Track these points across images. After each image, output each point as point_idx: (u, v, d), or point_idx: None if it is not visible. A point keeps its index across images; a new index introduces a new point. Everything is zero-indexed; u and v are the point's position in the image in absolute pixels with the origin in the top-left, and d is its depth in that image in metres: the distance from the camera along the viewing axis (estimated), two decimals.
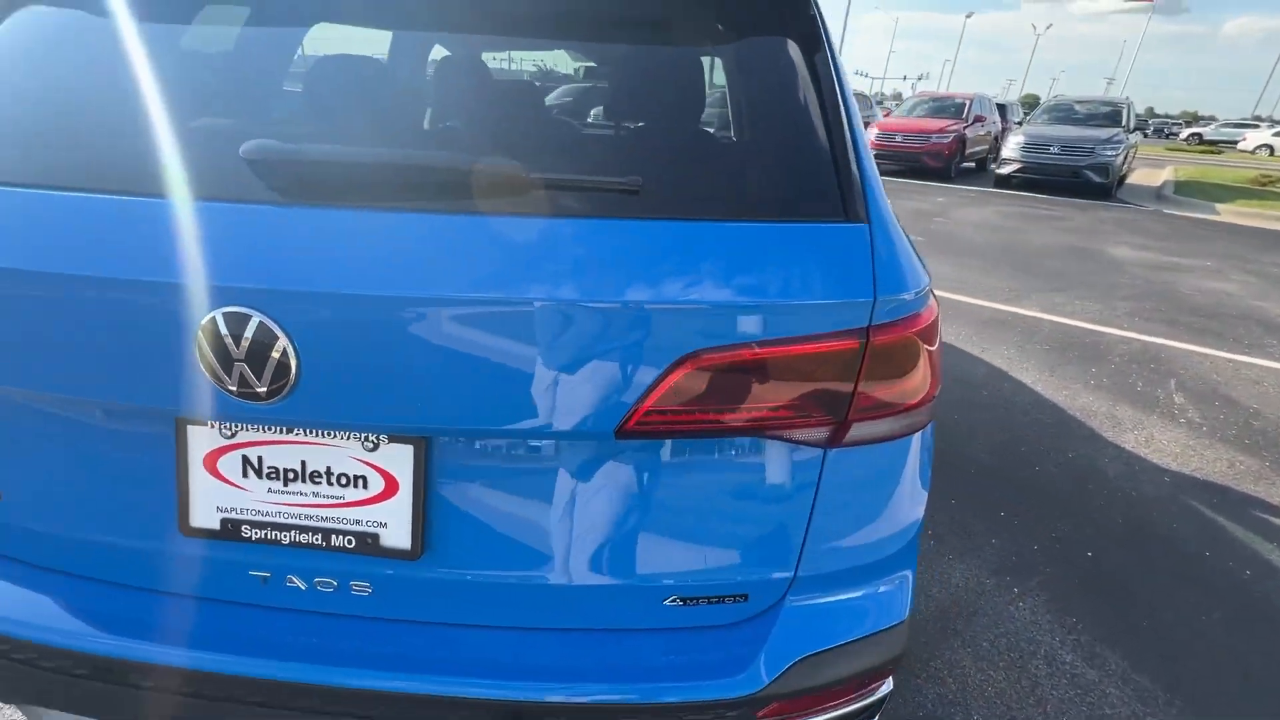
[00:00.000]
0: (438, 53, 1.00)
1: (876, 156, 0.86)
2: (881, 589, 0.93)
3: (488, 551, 0.85)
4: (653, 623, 0.87)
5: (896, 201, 0.90)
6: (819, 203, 0.79)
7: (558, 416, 0.75)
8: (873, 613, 0.92)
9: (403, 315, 0.72)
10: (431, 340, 0.72)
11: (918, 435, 0.93)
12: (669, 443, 0.81)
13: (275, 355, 0.71)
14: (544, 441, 0.81)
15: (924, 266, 0.89)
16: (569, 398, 0.74)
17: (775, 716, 0.87)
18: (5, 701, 0.96)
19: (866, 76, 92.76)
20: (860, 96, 16.46)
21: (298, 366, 0.72)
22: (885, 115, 14.17)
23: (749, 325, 0.74)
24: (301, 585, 0.85)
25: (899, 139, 12.00)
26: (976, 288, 5.06)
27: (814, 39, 0.89)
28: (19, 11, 0.91)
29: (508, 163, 0.76)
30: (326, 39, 1.05)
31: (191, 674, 0.83)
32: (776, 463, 0.83)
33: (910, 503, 0.95)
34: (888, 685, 0.95)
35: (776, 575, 0.87)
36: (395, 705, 0.82)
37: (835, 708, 0.90)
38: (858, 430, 0.83)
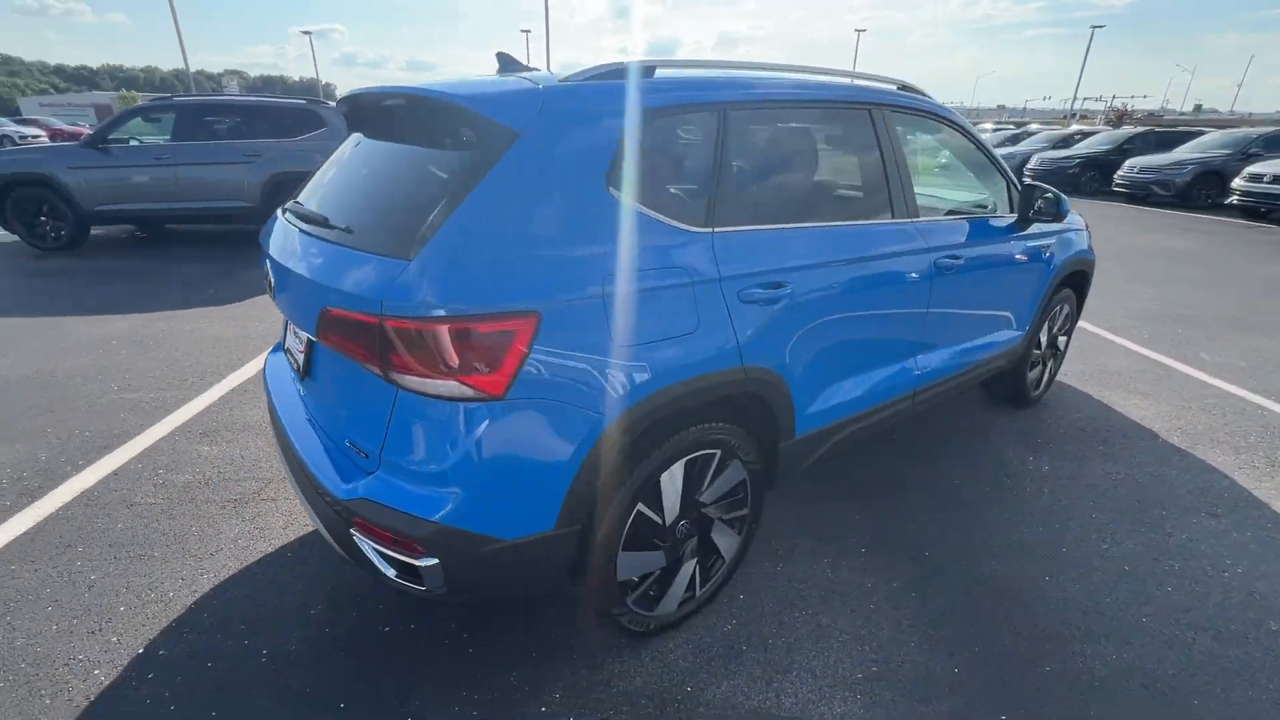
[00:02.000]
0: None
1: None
2: (431, 492, 1.40)
3: (312, 383, 1.75)
4: (343, 449, 1.60)
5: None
6: (405, 248, 1.36)
7: (312, 329, 1.57)
8: (417, 501, 1.39)
9: (288, 273, 1.63)
10: (292, 283, 1.65)
11: (483, 407, 1.36)
12: (337, 353, 1.51)
13: (270, 280, 1.79)
14: (314, 340, 1.65)
15: (492, 297, 1.32)
16: (310, 316, 1.53)
17: (360, 530, 1.48)
18: None
19: None
20: None
21: (274, 286, 1.78)
22: None
23: (339, 298, 1.39)
24: (295, 382, 1.94)
25: None
26: None
27: (494, 149, 1.42)
28: (349, 139, 2.25)
29: (319, 214, 1.64)
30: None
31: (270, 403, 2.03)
32: (373, 384, 1.43)
33: (461, 448, 1.37)
34: (429, 562, 1.41)
35: (373, 450, 1.47)
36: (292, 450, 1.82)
37: (386, 545, 1.44)
38: (403, 379, 1.36)
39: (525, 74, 1.71)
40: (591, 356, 1.45)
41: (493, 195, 1.38)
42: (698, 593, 1.97)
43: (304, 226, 1.68)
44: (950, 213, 2.82)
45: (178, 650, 1.85)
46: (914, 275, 2.26)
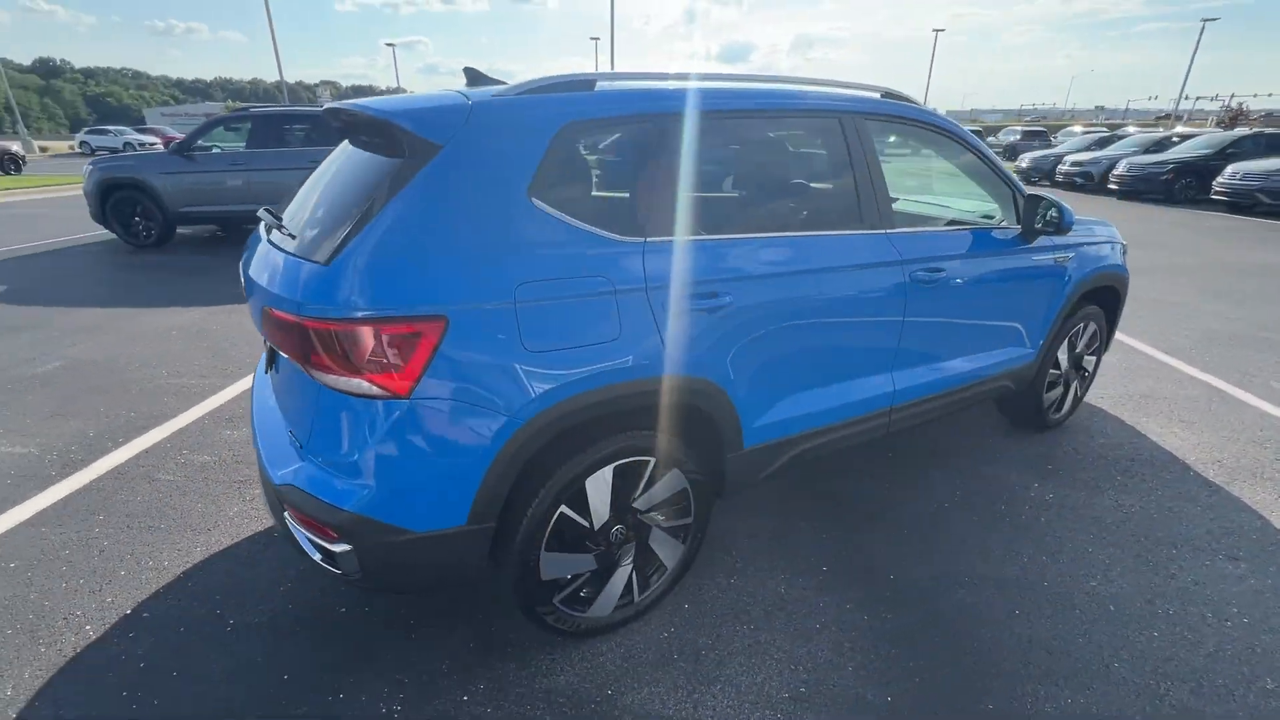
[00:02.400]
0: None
1: None
2: (346, 482, 1.49)
3: (275, 376, 1.89)
4: (287, 437, 1.71)
5: None
6: (326, 253, 1.46)
7: (260, 327, 1.71)
8: (334, 490, 1.50)
9: (249, 275, 1.73)
10: (250, 284, 1.76)
11: (391, 404, 1.44)
12: (280, 354, 1.65)
13: (241, 281, 1.94)
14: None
15: (394, 299, 1.40)
16: (258, 315, 1.67)
17: (292, 515, 1.60)
18: None
19: None
20: None
21: (245, 288, 1.92)
22: None
23: (273, 299, 1.49)
24: (265, 374, 2.10)
25: None
26: None
27: (415, 162, 1.50)
28: (340, 146, 2.38)
29: (277, 221, 1.77)
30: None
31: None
32: (305, 379, 1.53)
33: (371, 442, 1.46)
34: (343, 547, 1.50)
35: (304, 441, 1.58)
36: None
37: (308, 529, 1.55)
38: (322, 376, 1.46)
39: (467, 88, 1.78)
40: (502, 361, 1.50)
41: (408, 205, 1.47)
42: (636, 598, 1.98)
43: (268, 234, 1.82)
44: (948, 223, 2.71)
45: (158, 614, 2.04)
46: (884, 288, 2.19)
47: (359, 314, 1.40)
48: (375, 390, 1.43)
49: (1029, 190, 2.68)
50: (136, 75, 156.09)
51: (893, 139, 3.01)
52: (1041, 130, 29.74)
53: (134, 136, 31.42)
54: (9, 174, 19.38)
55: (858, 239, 2.14)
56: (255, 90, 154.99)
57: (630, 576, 1.93)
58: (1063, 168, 17.12)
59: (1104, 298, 3.24)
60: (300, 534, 1.61)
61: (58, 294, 5.88)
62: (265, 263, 1.67)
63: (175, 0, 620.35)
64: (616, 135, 1.74)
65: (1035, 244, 2.70)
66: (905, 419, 2.48)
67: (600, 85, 1.76)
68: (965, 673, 1.85)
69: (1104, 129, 27.30)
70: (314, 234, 1.58)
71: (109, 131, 32.80)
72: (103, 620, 2.01)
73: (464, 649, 1.92)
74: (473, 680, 1.81)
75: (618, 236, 1.68)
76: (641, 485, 1.86)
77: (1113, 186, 14.98)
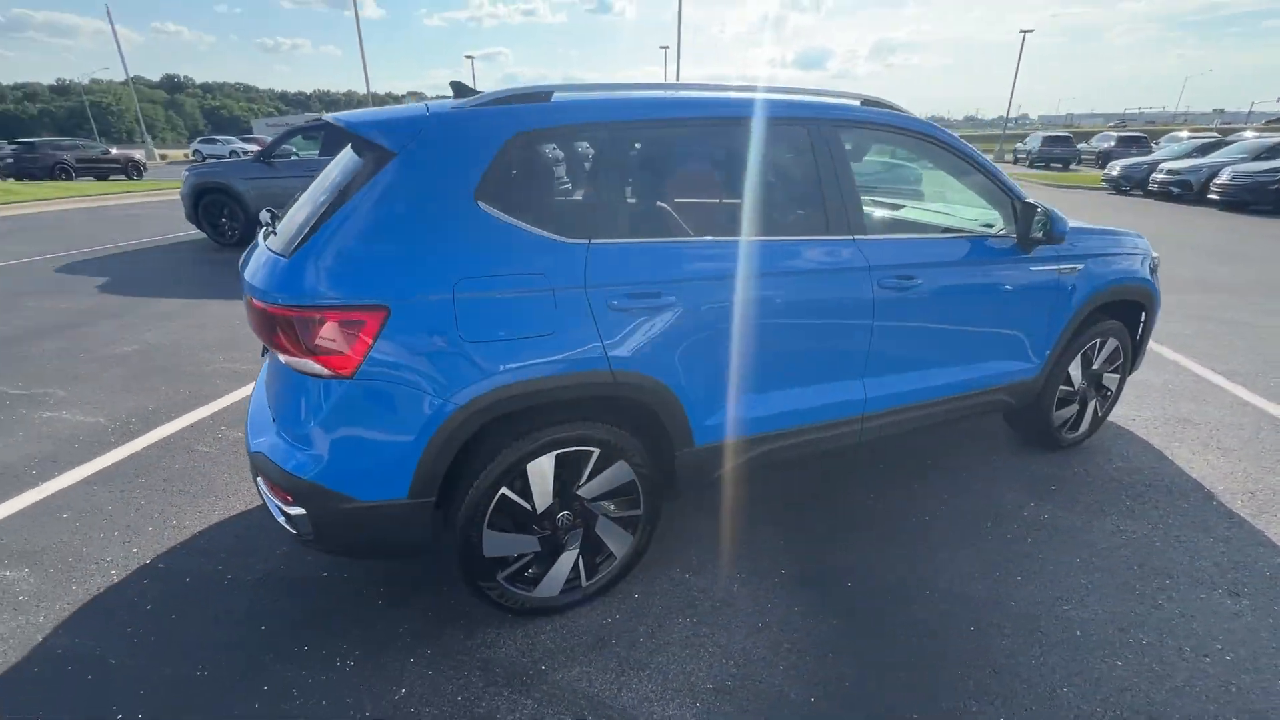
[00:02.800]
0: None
1: None
2: (301, 451, 1.67)
3: (270, 357, 2.09)
4: (269, 420, 1.92)
5: None
6: (290, 249, 1.64)
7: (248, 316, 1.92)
8: (291, 458, 1.68)
9: (243, 279, 1.93)
10: (245, 289, 1.98)
11: (337, 383, 1.60)
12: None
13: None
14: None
15: (341, 293, 1.56)
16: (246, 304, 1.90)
17: (262, 480, 1.80)
18: None
19: None
20: None
21: (240, 277, 2.15)
22: None
23: (250, 290, 1.69)
24: (262, 356, 2.34)
25: None
26: None
27: (372, 167, 1.66)
28: (342, 151, 2.59)
29: (267, 220, 1.98)
30: None
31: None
32: (277, 361, 1.73)
33: (320, 416, 1.63)
34: (298, 510, 1.68)
35: (274, 415, 1.78)
36: None
37: (277, 496, 1.74)
38: (284, 357, 1.64)
39: (434, 100, 1.95)
40: (439, 349, 1.64)
41: (360, 205, 1.64)
42: (584, 583, 2.08)
43: (264, 238, 2.05)
44: (942, 232, 2.66)
45: (171, 566, 2.31)
46: (847, 294, 2.19)
47: (308, 301, 1.57)
48: (324, 371, 1.61)
49: (1054, 204, 2.59)
50: (247, 89, 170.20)
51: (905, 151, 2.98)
52: (1140, 136, 27.60)
53: (239, 145, 34.37)
54: (131, 179, 21.67)
55: (816, 244, 2.15)
56: (349, 101, 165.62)
57: (577, 561, 2.03)
58: (1157, 176, 15.86)
59: (1125, 312, 3.06)
60: (268, 497, 1.80)
61: (146, 285, 6.58)
62: (253, 260, 1.89)
63: (284, 19, 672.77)
64: (568, 143, 1.86)
65: (1034, 254, 2.61)
66: (880, 428, 2.46)
67: (556, 96, 1.88)
68: (898, 682, 1.84)
69: (1214, 134, 25.06)
70: (289, 232, 1.78)
71: (218, 141, 36.06)
72: (126, 567, 2.30)
73: (423, 618, 2.07)
74: (422, 646, 1.96)
75: (561, 238, 1.79)
76: (585, 474, 1.95)
77: (1214, 196, 13.79)
